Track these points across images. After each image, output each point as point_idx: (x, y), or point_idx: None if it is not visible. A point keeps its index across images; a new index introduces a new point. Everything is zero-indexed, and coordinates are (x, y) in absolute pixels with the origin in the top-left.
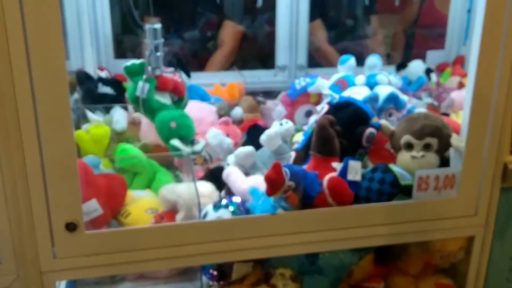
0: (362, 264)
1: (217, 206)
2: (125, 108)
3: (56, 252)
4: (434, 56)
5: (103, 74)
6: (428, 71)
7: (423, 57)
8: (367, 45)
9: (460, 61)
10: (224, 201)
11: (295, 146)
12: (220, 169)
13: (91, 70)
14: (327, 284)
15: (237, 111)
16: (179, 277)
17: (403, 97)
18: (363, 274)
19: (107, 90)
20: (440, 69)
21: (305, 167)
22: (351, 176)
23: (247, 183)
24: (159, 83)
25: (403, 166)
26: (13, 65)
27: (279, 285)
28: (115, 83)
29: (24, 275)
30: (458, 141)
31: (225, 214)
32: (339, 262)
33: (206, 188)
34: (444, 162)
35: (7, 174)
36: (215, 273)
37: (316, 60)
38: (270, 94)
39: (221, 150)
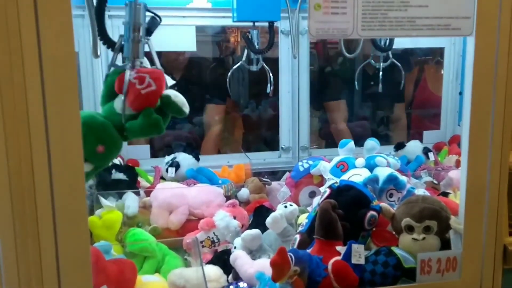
0: None
1: None
2: (137, 193)
3: None
4: (430, 136)
5: (117, 161)
6: (426, 150)
7: (420, 137)
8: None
9: (455, 140)
10: (231, 287)
11: (300, 228)
12: (227, 252)
13: None
14: None
15: (244, 192)
16: None
17: (403, 177)
18: None
19: (120, 176)
20: (437, 148)
21: (309, 251)
22: (355, 260)
23: (253, 267)
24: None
25: (405, 248)
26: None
27: None
28: (128, 169)
29: None
30: (457, 223)
31: None
32: None
33: (214, 272)
34: (445, 243)
35: (22, 265)
36: None
37: (332, 137)
38: (275, 174)
39: (228, 232)
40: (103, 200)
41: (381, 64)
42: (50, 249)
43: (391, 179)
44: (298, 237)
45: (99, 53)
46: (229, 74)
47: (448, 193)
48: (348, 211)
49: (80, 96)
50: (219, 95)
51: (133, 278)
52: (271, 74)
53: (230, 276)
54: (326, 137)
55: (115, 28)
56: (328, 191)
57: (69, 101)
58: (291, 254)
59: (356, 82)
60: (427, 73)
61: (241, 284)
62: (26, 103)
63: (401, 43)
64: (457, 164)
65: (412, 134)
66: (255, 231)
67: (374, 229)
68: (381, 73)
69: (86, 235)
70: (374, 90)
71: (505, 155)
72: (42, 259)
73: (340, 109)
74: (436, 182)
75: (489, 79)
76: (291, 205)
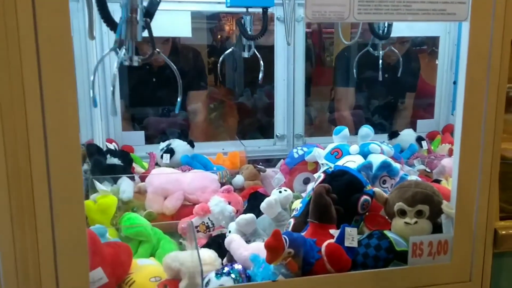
0: None
1: (219, 274)
2: (132, 178)
3: None
4: (424, 125)
5: (112, 146)
6: (420, 139)
7: (413, 126)
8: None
9: (449, 129)
10: (226, 269)
11: (294, 213)
12: (222, 236)
13: (100, 142)
14: None
15: (238, 179)
16: None
17: (396, 165)
18: None
19: (115, 161)
20: (430, 137)
21: (303, 234)
22: (348, 243)
23: (248, 250)
24: None
25: (398, 232)
26: (30, 143)
27: None
28: (123, 154)
29: None
30: (448, 207)
31: (227, 281)
32: None
33: (209, 255)
34: (437, 228)
35: (19, 246)
36: None
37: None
38: (270, 162)
39: (223, 218)
40: (98, 185)
41: (380, 52)
42: (46, 231)
43: (384, 165)
44: (292, 221)
45: (94, 34)
46: (221, 59)
47: (440, 181)
48: (341, 196)
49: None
50: (203, 81)
51: (128, 261)
52: (262, 62)
53: (225, 259)
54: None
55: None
56: (322, 175)
57: (65, 80)
58: (285, 237)
59: (355, 70)
60: (421, 63)
61: (235, 265)
62: (22, 83)
63: (397, 31)
64: (450, 153)
65: (406, 123)
66: (250, 215)
67: (367, 213)
68: (380, 61)
69: (82, 218)
70: (384, 78)
71: (497, 141)
72: (39, 241)
73: (348, 96)
74: (429, 170)
75: (483, 66)
76: (285, 190)
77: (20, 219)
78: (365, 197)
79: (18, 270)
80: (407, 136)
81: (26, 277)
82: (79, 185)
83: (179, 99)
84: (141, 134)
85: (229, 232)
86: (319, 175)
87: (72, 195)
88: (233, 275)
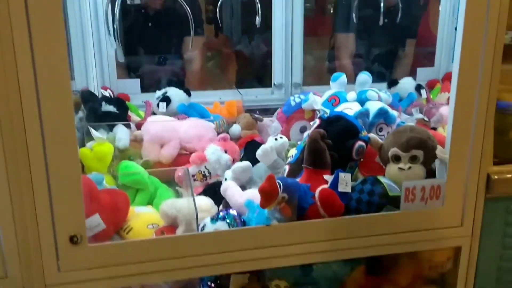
0: (354, 275)
1: (214, 219)
2: (128, 126)
3: (61, 266)
4: (424, 73)
5: (107, 93)
6: (419, 88)
7: (414, 75)
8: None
9: (449, 78)
10: (221, 214)
11: (289, 159)
12: (218, 184)
13: (95, 90)
14: None
15: (235, 128)
16: None
17: (393, 112)
18: (355, 285)
19: (110, 108)
20: (430, 85)
21: (298, 179)
22: (341, 188)
23: (243, 196)
24: None
25: (391, 178)
26: (21, 87)
27: None
28: (118, 101)
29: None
30: (442, 153)
31: (222, 226)
32: (332, 273)
33: (205, 202)
34: (431, 174)
35: (14, 191)
36: (212, 285)
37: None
38: (267, 111)
39: (220, 166)
40: (94, 132)
41: None
42: (41, 176)
43: (381, 113)
44: (287, 168)
45: None
46: (219, 3)
47: (437, 129)
48: (336, 141)
49: (68, 35)
50: (199, 27)
51: (126, 208)
52: (259, 5)
53: (221, 206)
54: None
55: None
56: (317, 121)
57: (54, 21)
58: (279, 181)
59: (354, 14)
60: (424, 8)
61: (231, 211)
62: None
63: None
64: (449, 101)
65: (406, 71)
66: (245, 163)
67: (361, 159)
68: (382, 4)
69: (76, 162)
70: (384, 24)
71: (494, 87)
72: (34, 186)
73: (347, 43)
74: (426, 119)
75: (482, 11)
76: (281, 137)
77: (14, 167)
78: (360, 143)
79: (15, 216)
80: (406, 84)
81: (23, 224)
82: (72, 130)
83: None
84: (136, 82)
85: (225, 179)
86: (315, 121)
87: (66, 137)
88: (228, 220)
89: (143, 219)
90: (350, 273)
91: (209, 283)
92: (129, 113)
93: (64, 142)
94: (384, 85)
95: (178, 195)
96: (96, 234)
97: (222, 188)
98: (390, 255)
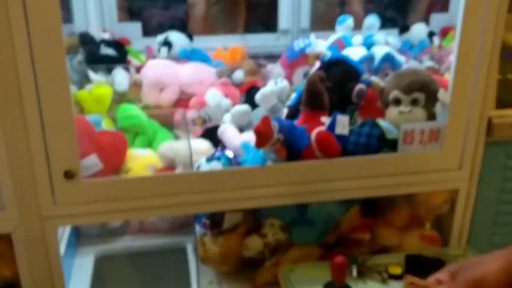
0: (349, 216)
1: (209, 159)
2: (127, 70)
3: (56, 199)
4: (438, 20)
5: (106, 36)
6: (431, 35)
7: (428, 21)
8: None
9: None
10: (216, 154)
11: (288, 103)
12: (217, 128)
13: (95, 33)
14: (314, 235)
15: (238, 74)
16: (176, 231)
17: (400, 57)
18: (350, 225)
19: (109, 51)
20: (444, 32)
21: (295, 122)
22: (339, 130)
23: (240, 139)
24: None
25: (391, 121)
26: (12, 25)
27: (269, 234)
28: (118, 44)
29: (26, 220)
30: (444, 95)
31: (216, 166)
32: (326, 213)
33: (203, 145)
34: (432, 117)
35: (8, 126)
36: (207, 222)
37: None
38: (273, 57)
39: (220, 111)
40: (92, 75)
41: None
42: (33, 111)
43: (387, 57)
44: (285, 111)
45: None
46: None
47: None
48: (336, 84)
49: None
50: None
51: (124, 150)
52: None
53: (218, 149)
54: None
55: None
56: (318, 63)
57: None
58: (275, 122)
59: None
60: None
61: (226, 152)
62: None
63: None
64: None
65: (420, 18)
66: (244, 106)
67: (362, 103)
68: None
69: (68, 97)
70: None
71: (499, 29)
72: (28, 123)
73: None
74: (437, 67)
75: None
76: (281, 81)
77: (7, 101)
78: (360, 86)
79: (9, 149)
80: (418, 31)
81: (17, 158)
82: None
83: None
84: (137, 26)
85: (223, 123)
86: (315, 64)
87: (57, 75)
88: (222, 161)
89: (141, 161)
90: (345, 214)
91: (204, 220)
92: (129, 57)
93: (55, 77)
94: (396, 31)
95: (177, 139)
96: (94, 174)
97: (219, 131)
98: (386, 196)
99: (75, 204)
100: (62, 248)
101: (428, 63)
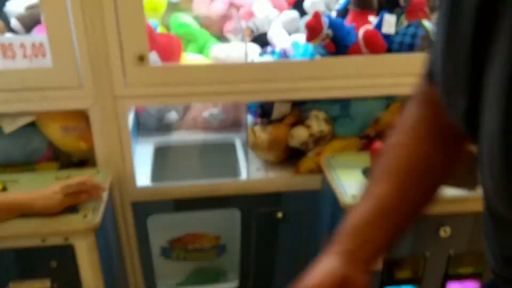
0: (390, 112)
1: (262, 53)
2: None
3: (127, 80)
4: None
5: None
6: None
7: None
8: None
9: None
10: (269, 49)
11: (336, 6)
12: (265, 35)
13: None
14: (355, 128)
15: None
16: (225, 129)
17: None
18: (389, 121)
19: None
20: None
21: (345, 21)
22: (385, 29)
23: (289, 40)
24: None
25: None
26: None
27: (314, 125)
28: None
29: (101, 98)
30: None
31: (269, 59)
32: (368, 109)
33: (253, 48)
34: None
35: (88, 13)
36: (259, 110)
37: None
38: None
39: (268, 22)
40: None
41: None
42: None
43: None
44: (334, 14)
45: None
46: None
47: None
48: None
49: None
50: None
51: (178, 52)
52: None
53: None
54: None
55: None
56: None
57: None
58: (325, 18)
59: None
60: None
61: (277, 49)
62: None
63: None
64: None
65: None
66: (294, 12)
67: (408, 7)
68: None
69: None
70: None
71: None
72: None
73: None
74: None
75: None
76: None
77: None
78: None
79: (88, 35)
80: None
81: (95, 42)
82: None
83: None
84: None
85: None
86: None
87: None
88: (274, 56)
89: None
90: (385, 110)
91: (256, 109)
92: None
93: None
94: None
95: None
96: None
97: (269, 35)
98: None
99: (144, 86)
100: None
101: None
